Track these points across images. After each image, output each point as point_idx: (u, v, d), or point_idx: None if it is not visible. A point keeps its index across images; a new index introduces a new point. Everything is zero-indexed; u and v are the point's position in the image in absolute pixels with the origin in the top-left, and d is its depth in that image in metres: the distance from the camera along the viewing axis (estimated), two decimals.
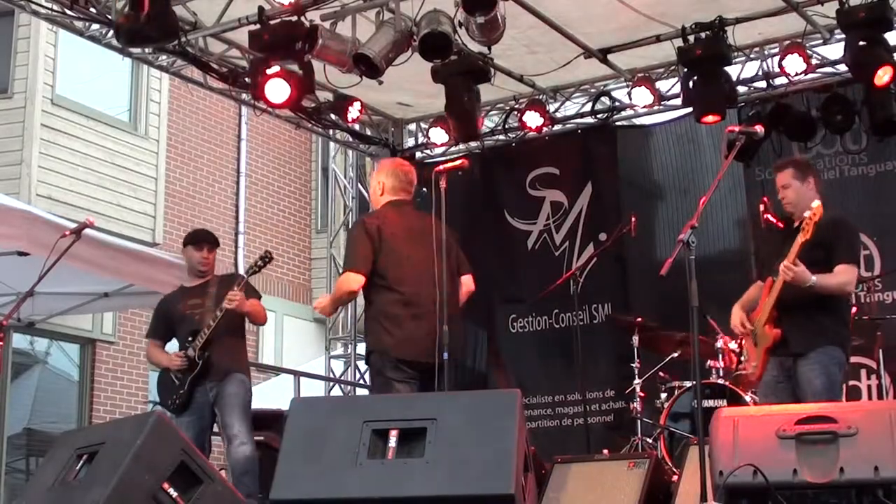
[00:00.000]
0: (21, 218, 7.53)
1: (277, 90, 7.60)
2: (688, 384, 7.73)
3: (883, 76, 7.66)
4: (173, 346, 7.38)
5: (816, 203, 5.84)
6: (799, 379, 6.08)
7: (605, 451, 7.64)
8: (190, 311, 7.16)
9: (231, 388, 7.00)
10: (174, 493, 4.91)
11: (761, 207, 8.28)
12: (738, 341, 7.46)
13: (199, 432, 6.97)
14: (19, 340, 12.62)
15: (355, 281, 6.19)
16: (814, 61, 8.38)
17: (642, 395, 8.07)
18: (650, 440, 7.87)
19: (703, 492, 4.88)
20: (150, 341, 7.43)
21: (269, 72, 7.54)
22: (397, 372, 6.08)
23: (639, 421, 8.04)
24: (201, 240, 7.35)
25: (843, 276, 6.06)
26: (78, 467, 5.16)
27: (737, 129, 6.36)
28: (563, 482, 6.93)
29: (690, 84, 8.16)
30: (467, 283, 6.48)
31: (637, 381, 8.11)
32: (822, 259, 6.07)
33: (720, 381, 7.65)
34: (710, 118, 8.17)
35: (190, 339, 7.06)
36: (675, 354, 8.13)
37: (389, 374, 6.08)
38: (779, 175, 6.36)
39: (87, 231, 6.53)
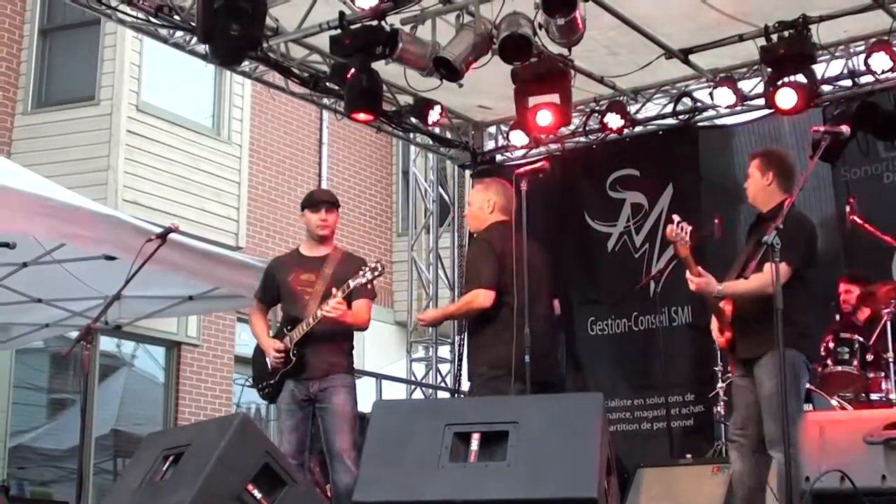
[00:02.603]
0: (108, 223, 7.65)
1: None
2: None
3: None
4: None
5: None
6: (755, 381, 5.96)
7: (689, 456, 7.56)
8: (300, 288, 6.59)
9: (338, 397, 6.42)
10: (258, 495, 4.98)
11: (847, 208, 8.18)
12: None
13: (300, 420, 6.50)
14: (107, 343, 12.86)
15: (488, 298, 6.30)
16: None
17: (726, 398, 7.97)
18: None
19: (789, 497, 4.81)
20: (256, 302, 6.89)
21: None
22: (512, 385, 6.10)
23: (722, 425, 7.94)
24: (318, 201, 6.73)
25: (763, 277, 5.73)
26: (164, 468, 5.25)
27: (822, 128, 6.26)
28: (646, 486, 6.89)
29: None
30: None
31: (721, 384, 8.01)
32: (763, 260, 5.95)
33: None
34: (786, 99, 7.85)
35: (290, 326, 6.53)
36: None
37: (503, 387, 6.06)
38: (749, 163, 6.32)
39: (173, 235, 6.58)
